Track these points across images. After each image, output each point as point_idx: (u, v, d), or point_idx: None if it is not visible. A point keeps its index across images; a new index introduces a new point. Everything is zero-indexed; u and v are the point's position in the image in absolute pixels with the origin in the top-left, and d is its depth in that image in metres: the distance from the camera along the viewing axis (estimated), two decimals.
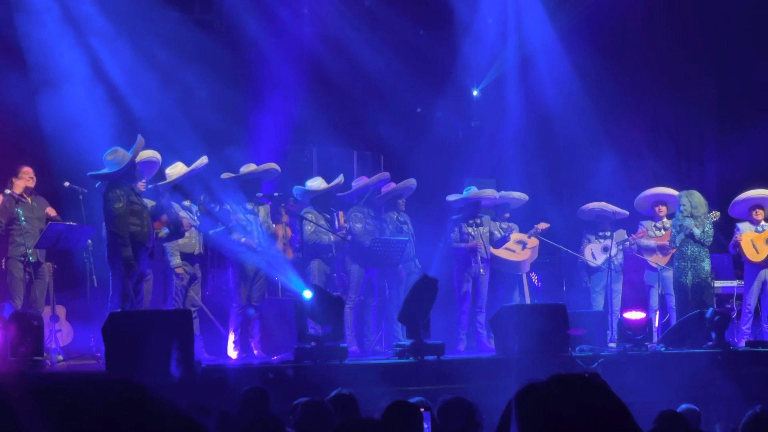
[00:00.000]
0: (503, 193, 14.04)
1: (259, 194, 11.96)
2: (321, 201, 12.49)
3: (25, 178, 11.63)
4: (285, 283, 12.23)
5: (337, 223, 12.40)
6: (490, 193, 13.69)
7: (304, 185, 12.61)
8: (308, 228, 12.02)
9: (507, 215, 13.92)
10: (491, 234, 13.59)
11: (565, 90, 16.36)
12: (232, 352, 11.55)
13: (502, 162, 16.47)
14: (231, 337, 11.63)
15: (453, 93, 16.64)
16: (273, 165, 12.11)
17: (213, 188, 11.90)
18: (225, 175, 11.96)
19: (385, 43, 15.43)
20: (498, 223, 13.81)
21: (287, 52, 14.55)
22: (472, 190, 13.49)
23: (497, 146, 16.52)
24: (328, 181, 12.62)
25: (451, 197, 13.58)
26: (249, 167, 11.99)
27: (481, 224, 13.40)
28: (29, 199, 11.67)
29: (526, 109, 16.65)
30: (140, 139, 10.31)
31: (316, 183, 12.56)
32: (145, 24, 13.17)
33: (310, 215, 12.13)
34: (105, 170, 10.22)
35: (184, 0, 13.88)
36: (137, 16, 13.08)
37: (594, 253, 14.09)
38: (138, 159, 10.47)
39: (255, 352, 11.64)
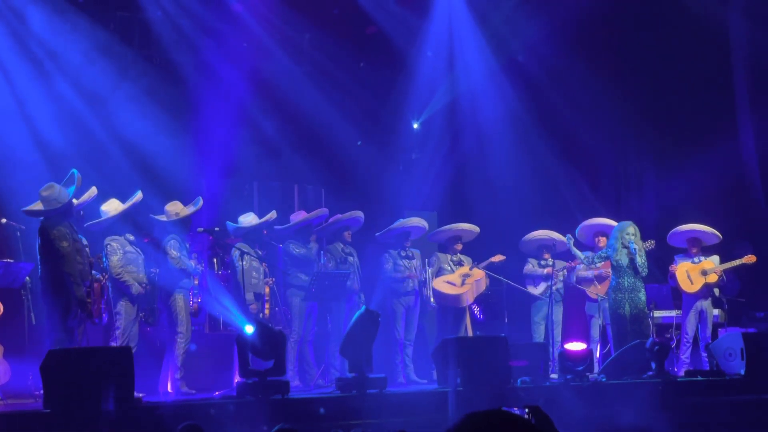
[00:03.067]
0: (455, 225, 14.00)
1: (200, 229, 11.82)
2: (253, 237, 12.40)
3: None
4: (227, 318, 12.11)
5: (264, 265, 12.30)
6: (416, 221, 13.67)
7: (237, 221, 12.48)
8: (245, 265, 11.81)
9: (459, 246, 13.88)
10: (441, 269, 13.59)
11: (505, 122, 16.48)
12: (171, 388, 11.37)
13: (442, 195, 16.51)
14: (170, 374, 11.44)
15: (393, 126, 16.69)
16: (200, 203, 11.87)
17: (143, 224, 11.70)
18: (161, 217, 11.64)
19: (325, 76, 15.47)
20: (449, 256, 13.78)
21: (227, 85, 14.48)
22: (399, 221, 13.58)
23: (438, 179, 16.56)
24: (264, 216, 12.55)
25: (379, 233, 13.60)
26: (175, 205, 11.70)
27: (413, 257, 13.43)
28: None
29: (466, 142, 16.75)
30: (78, 175, 10.14)
31: (248, 219, 12.46)
32: (82, 57, 13.06)
33: (243, 252, 11.88)
34: (40, 206, 10.02)
35: (124, 34, 13.78)
36: (74, 49, 12.98)
37: (536, 271, 14.12)
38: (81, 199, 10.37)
39: (184, 388, 11.45)
